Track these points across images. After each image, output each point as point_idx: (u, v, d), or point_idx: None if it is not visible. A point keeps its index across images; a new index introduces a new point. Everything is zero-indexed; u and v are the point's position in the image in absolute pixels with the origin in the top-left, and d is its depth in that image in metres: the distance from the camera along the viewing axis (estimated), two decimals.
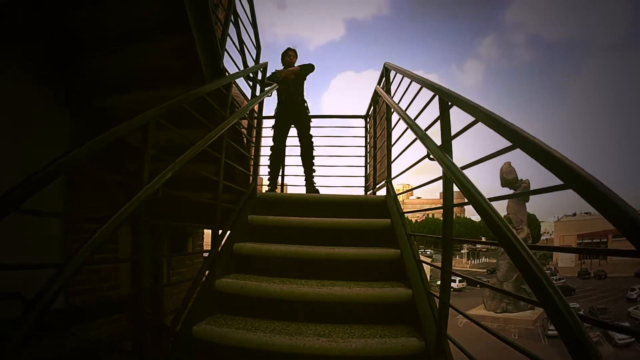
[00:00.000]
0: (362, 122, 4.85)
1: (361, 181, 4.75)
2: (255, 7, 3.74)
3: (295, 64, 4.23)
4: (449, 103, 1.65)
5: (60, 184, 2.66)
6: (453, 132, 1.62)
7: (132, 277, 1.49)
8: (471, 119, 1.40)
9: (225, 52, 2.48)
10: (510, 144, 1.10)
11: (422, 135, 1.75)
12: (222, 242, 2.44)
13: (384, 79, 3.21)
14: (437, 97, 1.77)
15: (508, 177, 21.53)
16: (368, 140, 4.63)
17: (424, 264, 2.18)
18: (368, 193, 4.61)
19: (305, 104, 4.20)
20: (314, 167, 4.20)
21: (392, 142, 3.10)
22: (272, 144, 4.13)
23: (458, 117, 1.70)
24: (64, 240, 2.73)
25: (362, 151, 4.85)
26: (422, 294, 1.86)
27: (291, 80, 4.03)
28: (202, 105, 2.09)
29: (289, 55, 4.24)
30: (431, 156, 1.68)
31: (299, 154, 4.21)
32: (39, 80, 2.34)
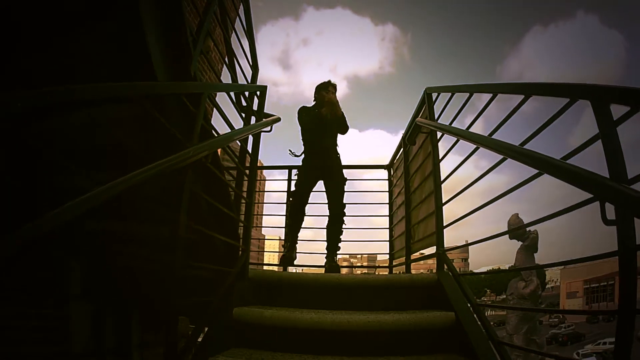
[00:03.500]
0: (380, 176, 3.89)
1: (383, 247, 3.70)
2: (260, 66, 3.00)
3: None
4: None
5: None
6: None
7: None
8: None
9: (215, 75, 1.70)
10: None
11: None
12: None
13: (424, 107, 2.39)
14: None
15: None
16: (394, 197, 3.66)
17: None
18: (394, 263, 3.57)
19: (338, 155, 3.18)
20: (339, 244, 3.15)
21: (444, 201, 2.14)
22: (293, 195, 3.15)
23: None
24: None
25: (384, 210, 3.90)
26: None
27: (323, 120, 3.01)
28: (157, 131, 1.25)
29: (328, 91, 3.08)
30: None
31: (325, 225, 3.14)
32: None
